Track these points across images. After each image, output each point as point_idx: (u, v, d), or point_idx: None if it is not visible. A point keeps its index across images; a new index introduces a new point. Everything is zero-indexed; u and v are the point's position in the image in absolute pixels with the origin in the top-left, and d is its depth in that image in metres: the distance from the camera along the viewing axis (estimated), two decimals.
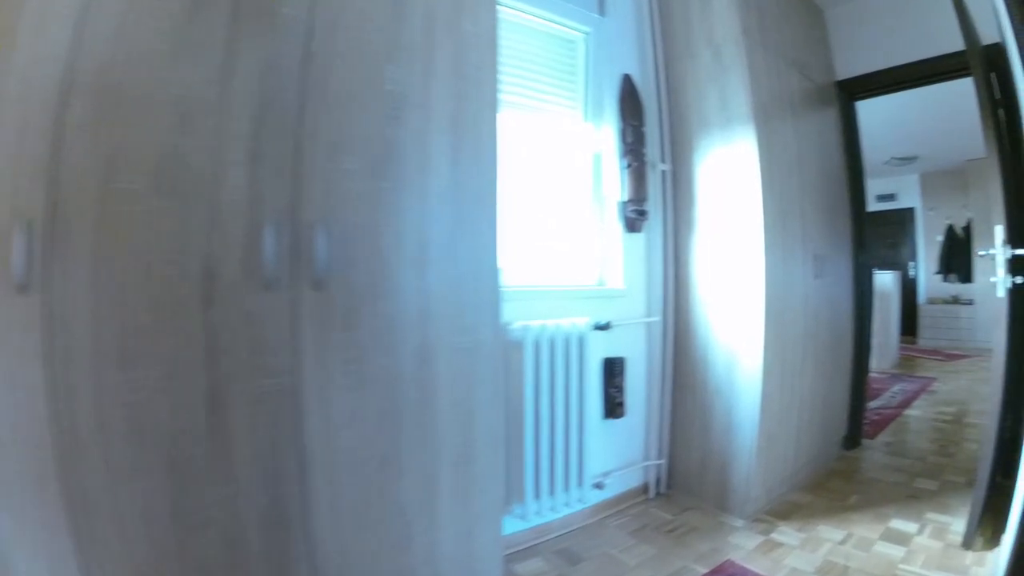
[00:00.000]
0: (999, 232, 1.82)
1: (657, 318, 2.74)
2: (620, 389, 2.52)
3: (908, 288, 8.15)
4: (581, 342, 2.24)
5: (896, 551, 2.07)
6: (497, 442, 1.59)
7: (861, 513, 2.43)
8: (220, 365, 1.14)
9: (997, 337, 1.90)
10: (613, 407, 2.50)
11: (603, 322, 2.43)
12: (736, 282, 2.50)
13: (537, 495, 2.11)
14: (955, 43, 2.60)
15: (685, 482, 2.70)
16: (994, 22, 2.22)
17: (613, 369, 2.50)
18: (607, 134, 2.61)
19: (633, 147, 2.60)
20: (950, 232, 8.01)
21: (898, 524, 2.31)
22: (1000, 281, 1.77)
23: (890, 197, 8.60)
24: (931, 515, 2.38)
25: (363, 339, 1.31)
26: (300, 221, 1.23)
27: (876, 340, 4.79)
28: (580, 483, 2.25)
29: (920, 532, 2.23)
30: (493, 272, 1.55)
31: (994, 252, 1.82)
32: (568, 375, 2.19)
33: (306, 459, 1.25)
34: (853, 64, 3.22)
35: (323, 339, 1.26)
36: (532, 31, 2.42)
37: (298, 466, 1.24)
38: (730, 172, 2.52)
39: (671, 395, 2.76)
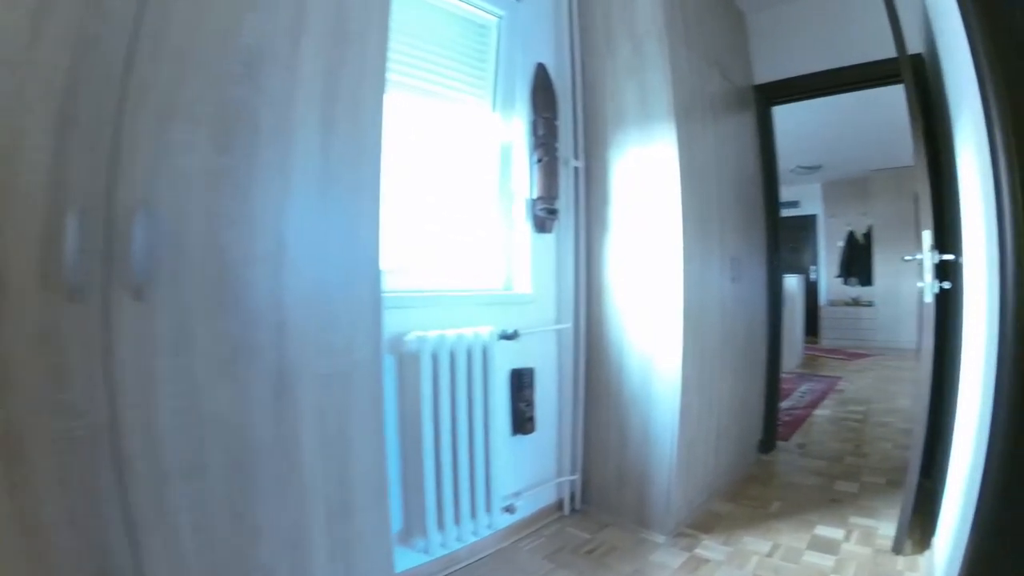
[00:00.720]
0: (927, 237, 1.79)
1: (568, 325, 2.59)
2: (530, 403, 2.35)
3: (810, 291, 8.60)
4: (485, 353, 2.04)
5: (826, 560, 2.03)
6: (382, 487, 1.34)
7: (785, 521, 2.39)
8: (12, 400, 0.87)
9: (925, 342, 1.87)
10: (523, 422, 2.32)
11: (510, 330, 2.22)
12: (653, 285, 2.38)
13: (441, 526, 1.89)
14: (873, 53, 2.68)
15: (602, 497, 2.56)
16: (916, 34, 2.23)
17: (522, 381, 2.32)
18: (517, 126, 2.42)
19: (545, 141, 2.42)
20: (851, 238, 8.51)
21: (824, 531, 2.27)
22: (927, 286, 1.74)
23: (793, 204, 9.05)
24: (855, 519, 2.37)
25: (199, 365, 1.03)
26: (117, 206, 0.95)
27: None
28: (488, 508, 2.06)
29: (847, 538, 2.20)
30: (373, 276, 1.29)
31: (921, 257, 1.79)
32: (472, 390, 1.99)
33: (135, 519, 0.98)
34: (772, 68, 3.22)
35: (146, 365, 0.98)
36: (441, 11, 2.20)
37: (126, 528, 0.97)
38: (648, 171, 2.41)
39: (584, 406, 2.62)
